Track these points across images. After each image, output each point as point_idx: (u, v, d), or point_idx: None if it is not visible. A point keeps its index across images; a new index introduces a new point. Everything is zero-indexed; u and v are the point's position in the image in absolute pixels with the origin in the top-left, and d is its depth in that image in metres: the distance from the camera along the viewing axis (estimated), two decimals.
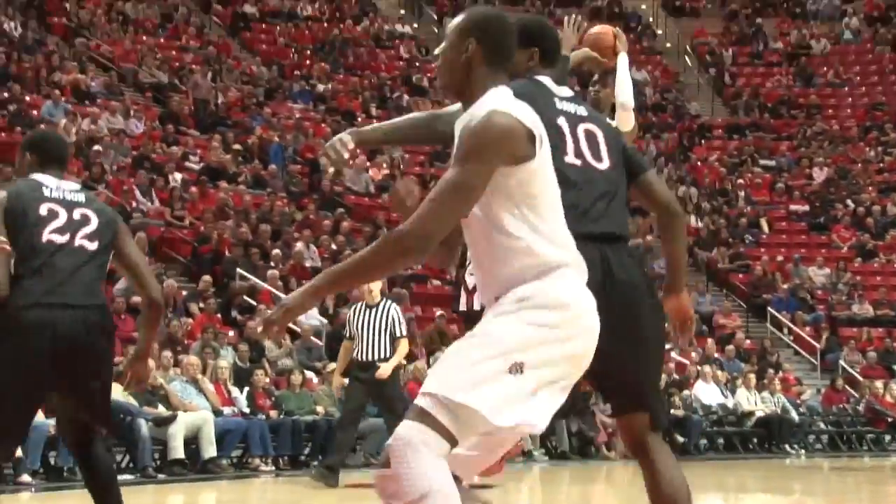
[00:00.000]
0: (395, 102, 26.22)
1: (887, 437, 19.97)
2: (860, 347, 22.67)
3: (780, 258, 25.50)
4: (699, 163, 29.24)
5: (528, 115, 3.21)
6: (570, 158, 3.85)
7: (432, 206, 3.11)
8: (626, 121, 6.20)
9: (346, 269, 3.21)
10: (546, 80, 3.99)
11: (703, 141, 30.47)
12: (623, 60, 5.99)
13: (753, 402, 18.23)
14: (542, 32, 4.08)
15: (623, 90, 6.23)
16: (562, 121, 3.89)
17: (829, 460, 16.28)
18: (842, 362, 21.83)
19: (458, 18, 3.39)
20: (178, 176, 18.98)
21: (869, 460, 17.95)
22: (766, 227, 27.08)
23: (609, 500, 10.35)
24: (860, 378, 21.10)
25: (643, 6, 34.12)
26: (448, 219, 3.13)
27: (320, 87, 25.54)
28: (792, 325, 23.37)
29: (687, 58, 32.85)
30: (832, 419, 19.44)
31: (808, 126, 30.51)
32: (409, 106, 26.66)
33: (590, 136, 3.94)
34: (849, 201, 27.36)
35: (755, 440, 18.08)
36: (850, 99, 31.74)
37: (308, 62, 26.77)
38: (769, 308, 23.76)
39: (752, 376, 18.87)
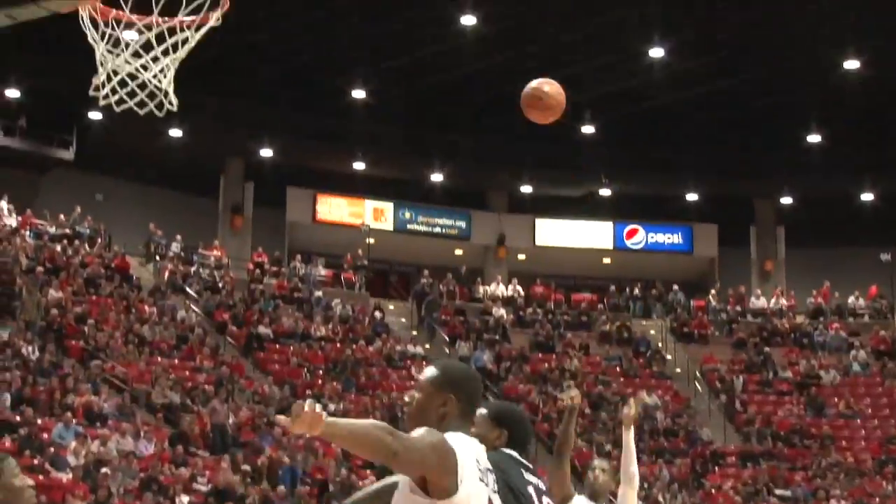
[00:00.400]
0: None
1: None
2: None
3: None
4: (713, 490, 28.68)
5: (468, 460, 3.65)
6: None
7: (416, 444, 3.59)
8: (631, 498, 6.57)
9: (344, 432, 3.70)
10: (515, 454, 4.44)
11: (716, 468, 30.01)
12: (631, 435, 6.45)
13: None
14: (513, 418, 4.55)
15: (632, 461, 6.72)
16: (531, 489, 4.32)
17: None
18: None
19: (434, 372, 3.83)
20: (185, 498, 18.60)
21: None
22: None
23: None
24: None
25: (652, 331, 34.52)
26: (420, 461, 3.59)
27: (332, 407, 25.44)
28: None
29: (697, 384, 32.91)
30: None
31: (822, 457, 30.11)
32: None
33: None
34: None
35: None
36: (863, 431, 31.49)
37: (320, 381, 26.83)
38: None
39: None
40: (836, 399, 31.97)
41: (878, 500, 28.40)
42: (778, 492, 29.02)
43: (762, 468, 29.78)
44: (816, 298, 34.99)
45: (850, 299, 35.06)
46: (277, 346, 28.07)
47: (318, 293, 30.99)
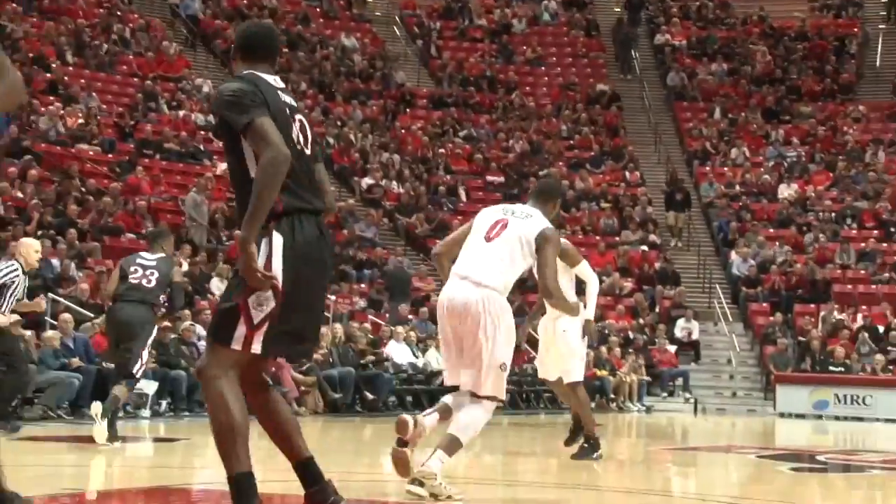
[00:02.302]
0: (95, 51, 25.12)
1: None
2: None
3: None
4: (403, 131, 29.65)
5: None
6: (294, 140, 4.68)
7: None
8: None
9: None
10: (269, 77, 4.77)
11: (407, 110, 30.89)
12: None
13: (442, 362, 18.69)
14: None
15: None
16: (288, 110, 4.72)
17: (508, 417, 16.92)
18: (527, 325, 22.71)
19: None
20: None
21: (544, 417, 18.82)
22: (463, 196, 27.80)
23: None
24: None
25: None
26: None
27: (11, 29, 24.06)
28: None
29: (395, 28, 33.18)
30: (513, 378, 20.19)
31: (507, 101, 31.52)
32: (109, 57, 25.62)
33: (302, 126, 4.79)
34: (541, 173, 28.45)
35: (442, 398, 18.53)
36: (546, 78, 33.00)
37: None
38: None
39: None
40: (524, 47, 33.16)
41: (552, 140, 30.29)
42: (463, 133, 30.34)
43: (451, 111, 30.89)
44: None
45: None
46: None
47: None
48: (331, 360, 16.76)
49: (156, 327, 9.99)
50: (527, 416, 18.54)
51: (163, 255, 9.97)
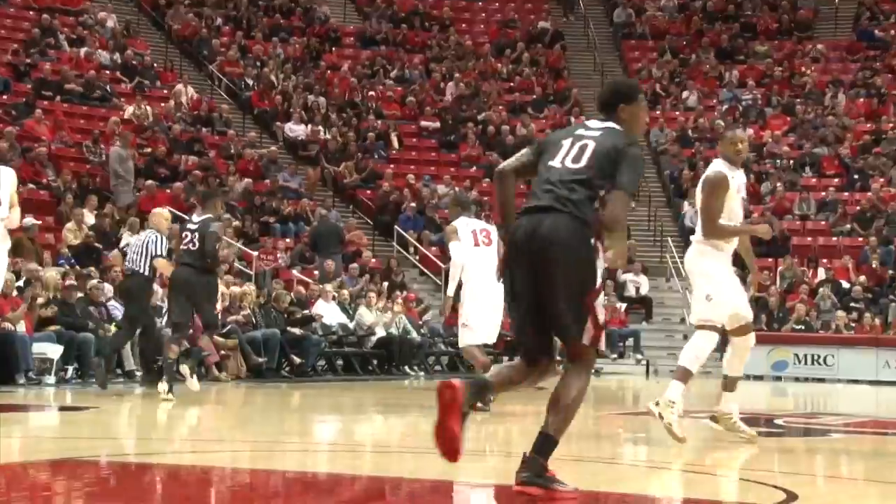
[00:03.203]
0: None
1: (504, 358, 21.08)
2: None
3: (409, 175, 26.15)
4: (329, 72, 29.40)
5: None
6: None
7: None
8: None
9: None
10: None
11: (333, 49, 30.63)
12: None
13: (375, 321, 18.67)
14: None
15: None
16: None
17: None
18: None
19: None
20: None
21: None
22: (395, 143, 27.69)
23: (226, 420, 10.27)
24: None
25: None
26: None
27: None
28: (418, 245, 24.09)
29: None
30: (453, 340, 20.22)
31: (441, 40, 31.36)
32: None
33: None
34: (480, 118, 28.44)
35: (375, 362, 18.54)
36: (483, 14, 32.88)
37: None
38: (396, 226, 24.36)
39: (374, 295, 19.32)
40: None
41: (495, 81, 30.24)
42: (394, 74, 30.15)
43: (381, 50, 30.67)
44: None
45: None
46: None
47: None
48: (253, 321, 16.65)
49: (218, 280, 12.43)
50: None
51: (209, 215, 11.76)
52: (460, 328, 11.31)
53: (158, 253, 12.52)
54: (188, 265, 11.65)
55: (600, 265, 5.48)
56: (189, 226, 11.88)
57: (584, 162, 5.57)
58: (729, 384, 8.57)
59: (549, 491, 5.36)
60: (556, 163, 5.64)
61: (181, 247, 11.81)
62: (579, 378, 5.66)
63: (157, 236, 12.69)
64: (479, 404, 10.55)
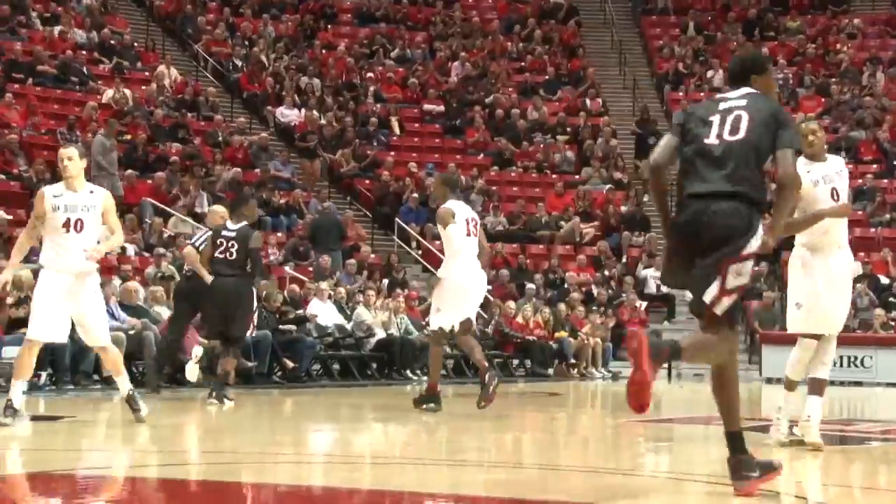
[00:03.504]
0: None
1: (515, 362, 21.14)
2: (493, 264, 23.70)
3: (411, 164, 26.16)
4: (324, 51, 29.41)
5: None
6: None
7: None
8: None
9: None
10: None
11: (329, 26, 30.64)
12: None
13: (375, 321, 18.67)
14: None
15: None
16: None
17: (453, 386, 16.96)
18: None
19: None
20: None
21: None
22: (397, 128, 27.71)
23: (213, 430, 10.29)
24: (490, 298, 22.10)
25: None
26: None
27: None
28: (421, 239, 24.11)
29: None
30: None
31: (446, 16, 31.35)
32: None
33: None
34: (487, 100, 28.44)
35: (374, 365, 18.55)
36: None
37: None
38: (397, 219, 24.38)
39: (373, 294, 19.33)
40: None
41: (504, 61, 30.25)
42: (394, 54, 30.15)
43: (380, 28, 30.67)
44: None
45: None
46: None
47: None
48: None
49: (254, 292, 12.58)
50: (474, 385, 18.60)
51: (244, 223, 12.22)
52: (432, 312, 11.78)
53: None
54: (226, 275, 12.05)
55: (757, 238, 5.82)
56: (225, 233, 12.18)
57: (742, 132, 5.84)
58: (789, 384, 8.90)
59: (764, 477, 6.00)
60: (712, 139, 5.89)
61: (217, 254, 12.12)
62: (716, 352, 5.89)
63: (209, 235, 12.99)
64: (425, 405, 11.59)
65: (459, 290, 11.49)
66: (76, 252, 9.08)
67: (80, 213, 9.18)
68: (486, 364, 11.66)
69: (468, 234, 11.53)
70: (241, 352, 13.44)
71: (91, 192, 9.43)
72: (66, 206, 9.18)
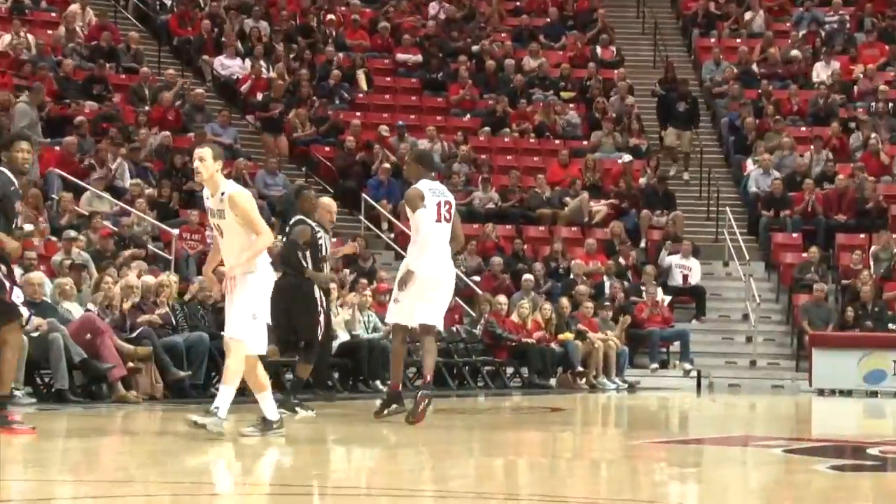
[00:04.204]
0: None
1: (509, 371, 21.11)
2: (482, 250, 23.74)
3: (381, 127, 26.16)
4: None
5: None
6: None
7: None
8: None
9: None
10: None
11: None
12: None
13: (337, 321, 18.68)
14: None
15: None
16: None
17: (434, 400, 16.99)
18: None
19: None
20: None
21: (485, 400, 18.92)
22: (363, 83, 27.69)
23: (137, 455, 10.30)
24: (478, 291, 22.13)
25: None
26: None
27: None
28: (394, 219, 24.11)
29: None
30: (439, 347, 20.24)
31: None
32: None
33: None
34: (475, 49, 28.43)
35: (336, 374, 18.55)
36: None
37: None
38: (364, 194, 24.38)
39: (334, 287, 19.31)
40: None
41: (489, 1, 30.26)
42: None
43: None
44: None
45: None
46: None
47: None
48: (173, 322, 16.64)
49: (315, 291, 13.54)
50: (459, 398, 18.65)
51: (299, 216, 13.78)
52: (391, 303, 12.73)
53: (324, 255, 13.83)
54: (284, 274, 13.02)
55: None
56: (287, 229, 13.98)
57: None
58: None
59: None
60: None
61: (275, 250, 13.29)
62: None
63: (323, 235, 13.94)
64: (387, 410, 12.57)
65: (422, 283, 12.05)
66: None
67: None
68: (430, 378, 12.54)
69: (438, 220, 12.03)
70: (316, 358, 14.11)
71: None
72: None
